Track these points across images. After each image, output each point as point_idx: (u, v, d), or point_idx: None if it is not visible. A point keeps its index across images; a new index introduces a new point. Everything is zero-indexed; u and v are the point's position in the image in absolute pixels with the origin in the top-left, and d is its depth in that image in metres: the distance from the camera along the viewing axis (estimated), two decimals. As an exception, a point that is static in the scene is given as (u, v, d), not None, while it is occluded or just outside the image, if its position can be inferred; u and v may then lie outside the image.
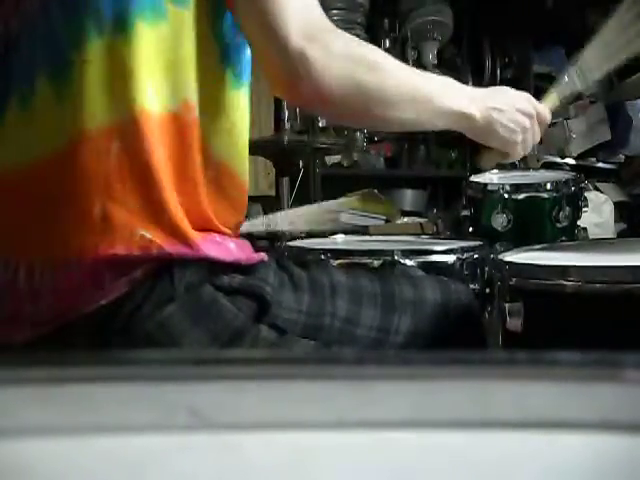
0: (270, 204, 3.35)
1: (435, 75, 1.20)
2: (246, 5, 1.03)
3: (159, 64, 1.02)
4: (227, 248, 1.06)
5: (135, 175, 1.01)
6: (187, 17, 1.04)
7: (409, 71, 1.12)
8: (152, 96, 1.01)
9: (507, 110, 1.20)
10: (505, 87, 1.27)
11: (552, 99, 1.43)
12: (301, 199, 3.22)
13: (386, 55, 1.10)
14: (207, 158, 1.07)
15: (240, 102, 1.11)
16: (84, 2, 1.02)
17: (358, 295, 1.16)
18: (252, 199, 3.36)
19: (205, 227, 1.05)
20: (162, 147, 1.01)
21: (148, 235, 1.00)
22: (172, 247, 1.01)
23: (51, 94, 1.03)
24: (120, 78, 1.01)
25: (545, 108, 1.34)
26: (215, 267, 1.05)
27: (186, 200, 1.03)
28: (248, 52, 1.10)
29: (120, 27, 1.01)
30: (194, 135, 1.04)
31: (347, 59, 1.02)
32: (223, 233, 1.08)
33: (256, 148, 2.54)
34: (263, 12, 1.01)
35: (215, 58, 1.07)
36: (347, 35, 1.07)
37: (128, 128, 1.00)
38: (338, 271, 1.22)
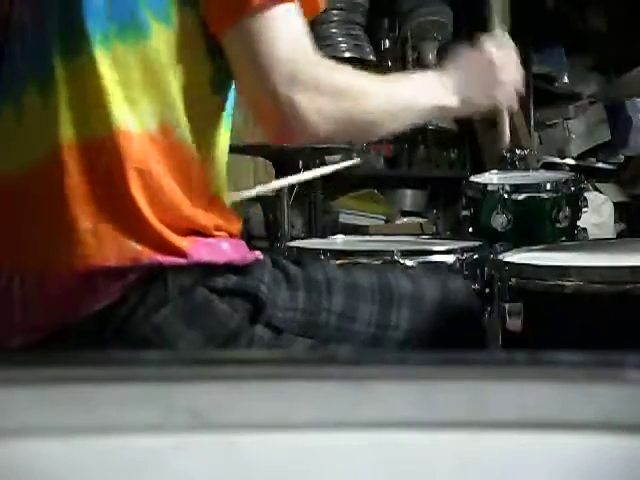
0: (270, 204, 3.35)
1: (414, 75, 1.22)
2: (233, 44, 1.03)
3: (141, 83, 1.02)
4: (220, 250, 1.06)
5: (115, 192, 1.01)
6: (172, 36, 1.03)
7: (389, 85, 1.15)
8: (131, 115, 1.01)
9: (478, 80, 1.22)
10: (467, 51, 1.24)
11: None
12: (301, 199, 3.22)
13: (365, 75, 1.13)
14: (200, 176, 1.07)
15: (226, 123, 1.12)
16: (74, 16, 1.02)
17: (355, 291, 1.16)
18: (252, 199, 3.36)
19: (196, 233, 1.05)
20: (137, 165, 1.01)
21: (138, 247, 1.01)
22: (162, 257, 1.01)
23: (38, 105, 1.04)
24: (100, 95, 1.01)
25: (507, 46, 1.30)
26: (208, 269, 1.04)
27: (169, 215, 1.03)
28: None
29: (103, 44, 1.01)
30: (177, 153, 1.04)
31: (332, 94, 1.04)
32: (216, 235, 1.07)
33: (256, 149, 2.54)
34: (250, 53, 1.01)
35: (207, 80, 1.07)
36: (329, 64, 1.09)
37: (105, 146, 1.01)
38: (334, 268, 1.21)
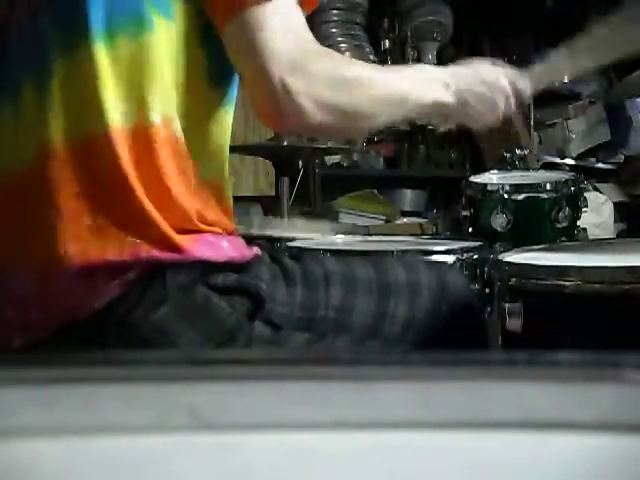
0: (270, 204, 3.35)
1: (410, 68, 1.21)
2: (234, 34, 1.03)
3: (139, 77, 1.03)
4: (220, 247, 1.06)
5: (113, 188, 1.02)
6: (173, 30, 1.04)
7: (385, 76, 1.15)
8: (128, 110, 1.02)
9: (479, 89, 1.22)
10: (477, 63, 1.26)
11: (535, 73, 1.44)
12: (301, 199, 3.22)
13: (363, 65, 1.15)
14: (194, 173, 1.07)
15: (225, 119, 1.12)
16: (75, 11, 1.03)
17: (352, 283, 1.16)
18: (252, 199, 3.37)
19: (195, 230, 1.05)
20: (136, 161, 1.02)
21: (138, 240, 1.01)
22: (161, 253, 1.01)
23: (34, 103, 1.04)
24: (97, 91, 1.01)
25: (523, 79, 1.34)
26: (208, 267, 1.05)
27: (169, 211, 1.03)
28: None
29: (104, 39, 1.02)
30: (173, 149, 1.04)
31: (327, 83, 1.05)
32: (216, 233, 1.08)
33: (256, 150, 2.54)
34: (250, 43, 1.02)
35: (202, 75, 1.08)
36: (326, 53, 1.10)
37: (103, 142, 1.01)
38: (331, 260, 1.21)
